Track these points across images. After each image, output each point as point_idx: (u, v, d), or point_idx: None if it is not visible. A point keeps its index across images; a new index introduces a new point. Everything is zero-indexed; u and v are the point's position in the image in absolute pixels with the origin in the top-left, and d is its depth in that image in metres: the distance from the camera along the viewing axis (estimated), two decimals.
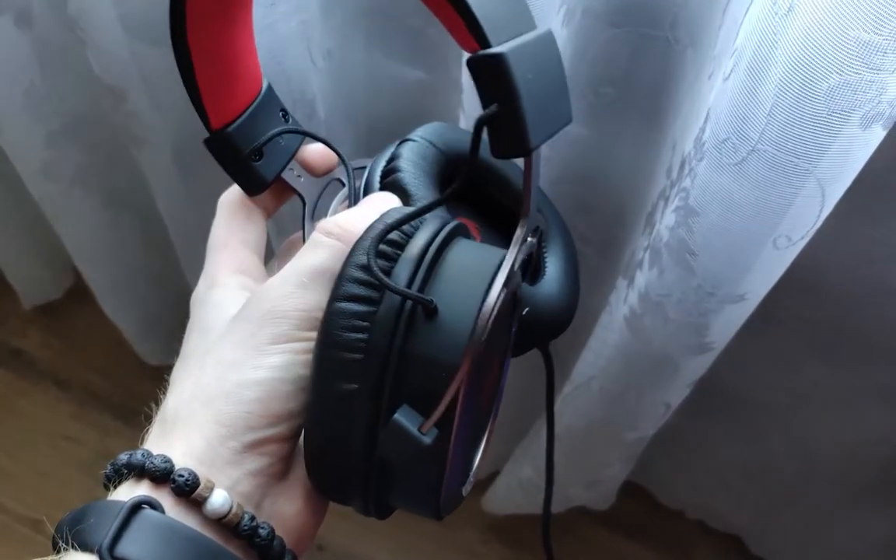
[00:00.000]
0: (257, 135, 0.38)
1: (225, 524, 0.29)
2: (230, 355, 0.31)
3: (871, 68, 0.35)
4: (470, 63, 0.27)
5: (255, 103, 0.38)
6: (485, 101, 0.27)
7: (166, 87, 0.75)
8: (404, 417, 0.27)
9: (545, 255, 0.42)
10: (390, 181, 0.38)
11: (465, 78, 0.54)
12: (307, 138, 0.41)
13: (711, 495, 1.01)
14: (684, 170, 0.49)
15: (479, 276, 0.29)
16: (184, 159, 0.81)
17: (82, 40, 0.72)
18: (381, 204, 0.35)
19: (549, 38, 0.28)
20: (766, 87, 0.39)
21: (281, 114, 0.40)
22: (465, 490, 0.34)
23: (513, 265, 0.28)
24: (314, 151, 0.41)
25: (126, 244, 1.01)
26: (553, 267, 0.41)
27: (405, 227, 0.31)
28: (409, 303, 0.28)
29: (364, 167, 0.40)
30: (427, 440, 0.27)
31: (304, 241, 0.38)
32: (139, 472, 0.29)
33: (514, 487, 0.94)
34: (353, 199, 0.39)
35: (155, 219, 0.90)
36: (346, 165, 0.40)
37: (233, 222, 0.38)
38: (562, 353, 0.82)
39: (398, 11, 0.61)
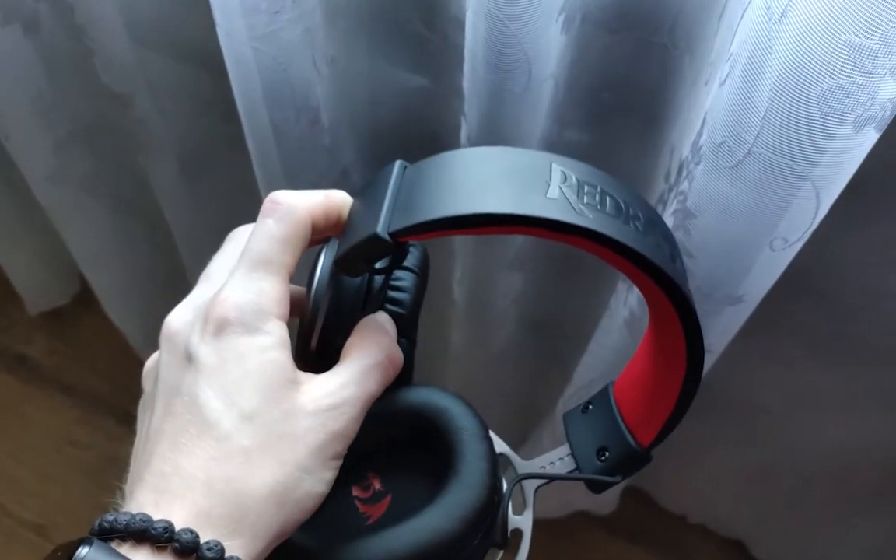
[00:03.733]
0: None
1: None
2: (307, 462, 0.31)
3: (863, 72, 0.36)
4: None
5: None
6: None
7: (172, 95, 0.76)
8: None
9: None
10: (396, 313, 0.39)
11: (467, 85, 0.55)
12: None
13: (713, 499, 1.01)
14: (682, 173, 0.49)
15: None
16: (190, 166, 0.82)
17: (89, 48, 0.73)
18: (394, 343, 0.37)
19: None
20: (760, 92, 0.40)
21: None
22: None
23: None
24: None
25: (132, 250, 1.02)
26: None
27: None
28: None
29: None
30: None
31: (314, 276, 0.38)
32: (191, 551, 0.27)
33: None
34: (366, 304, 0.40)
35: (161, 225, 0.91)
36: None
37: (294, 243, 0.34)
38: (564, 356, 0.83)
39: (402, 19, 0.62)
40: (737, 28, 0.43)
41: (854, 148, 0.40)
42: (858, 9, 0.35)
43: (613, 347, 0.63)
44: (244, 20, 0.55)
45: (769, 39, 0.38)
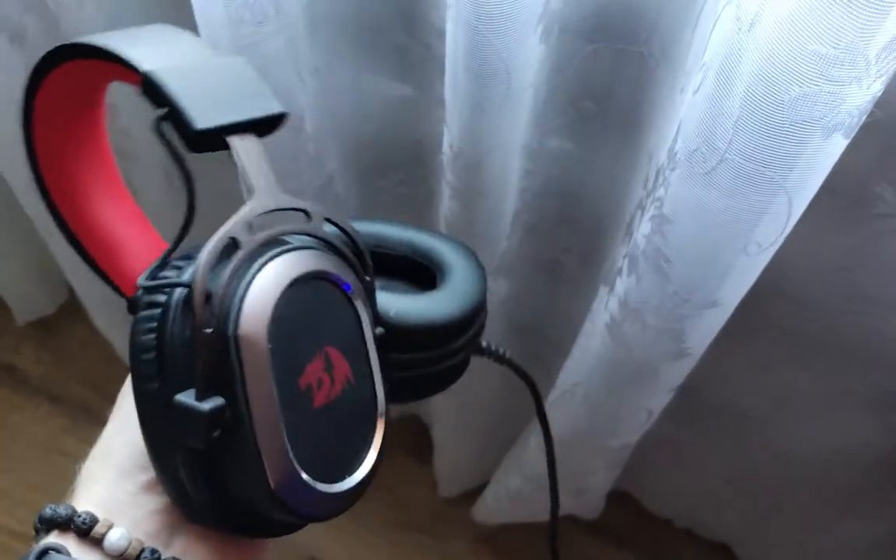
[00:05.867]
0: None
1: (126, 559, 0.30)
2: (129, 407, 0.33)
3: (829, 80, 0.37)
4: (141, 88, 0.32)
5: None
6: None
7: None
8: (185, 397, 0.28)
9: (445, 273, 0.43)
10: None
11: (449, 94, 0.55)
12: None
13: (699, 503, 1.02)
14: (659, 180, 0.50)
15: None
16: (174, 175, 0.82)
17: None
18: None
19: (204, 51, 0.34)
20: (732, 100, 0.41)
21: None
22: (339, 488, 0.31)
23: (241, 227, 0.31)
24: None
25: None
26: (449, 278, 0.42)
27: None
28: (183, 296, 0.30)
29: None
30: (204, 408, 0.27)
31: None
32: (48, 524, 0.32)
33: (503, 497, 0.95)
34: None
35: None
36: None
37: None
38: (547, 361, 0.83)
39: (384, 29, 0.62)
40: (709, 38, 0.43)
41: (823, 154, 0.41)
42: (824, 20, 0.36)
43: (596, 352, 0.64)
44: (228, 30, 0.55)
45: (739, 49, 0.39)
